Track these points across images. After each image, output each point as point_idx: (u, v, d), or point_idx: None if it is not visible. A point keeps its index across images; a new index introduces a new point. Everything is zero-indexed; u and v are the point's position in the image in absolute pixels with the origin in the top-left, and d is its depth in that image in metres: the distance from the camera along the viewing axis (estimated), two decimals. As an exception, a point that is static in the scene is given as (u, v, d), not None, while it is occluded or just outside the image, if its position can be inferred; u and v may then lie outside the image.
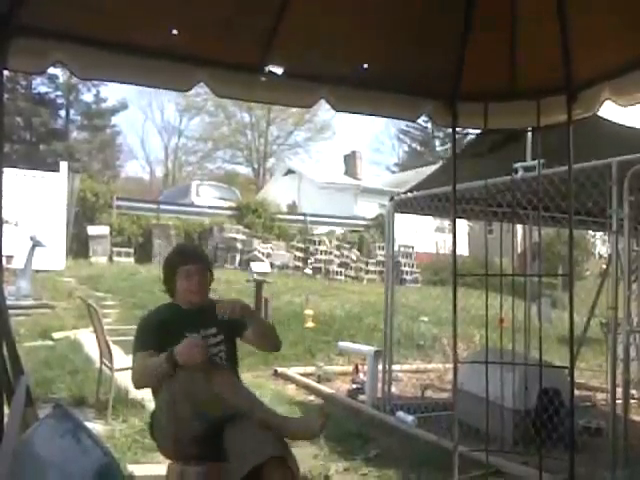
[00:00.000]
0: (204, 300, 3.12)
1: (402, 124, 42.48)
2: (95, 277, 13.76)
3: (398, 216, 6.84)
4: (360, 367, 7.44)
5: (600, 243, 17.49)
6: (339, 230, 21.51)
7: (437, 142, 45.04)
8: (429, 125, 39.76)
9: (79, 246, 17.10)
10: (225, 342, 3.10)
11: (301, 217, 21.91)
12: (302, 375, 7.84)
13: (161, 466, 2.92)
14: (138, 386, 3.00)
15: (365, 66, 3.25)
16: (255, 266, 12.33)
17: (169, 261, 3.23)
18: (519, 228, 8.74)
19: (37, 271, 11.97)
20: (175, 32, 2.84)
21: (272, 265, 16.51)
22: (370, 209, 23.46)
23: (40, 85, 30.54)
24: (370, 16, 3.12)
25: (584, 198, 5.08)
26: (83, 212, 17.71)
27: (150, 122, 52.43)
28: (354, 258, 19.89)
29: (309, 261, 19.06)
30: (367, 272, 19.79)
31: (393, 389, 6.77)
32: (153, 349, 2.90)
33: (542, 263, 7.07)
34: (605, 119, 4.92)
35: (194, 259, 3.15)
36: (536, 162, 4.60)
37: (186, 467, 2.78)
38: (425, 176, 7.65)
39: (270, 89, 3.21)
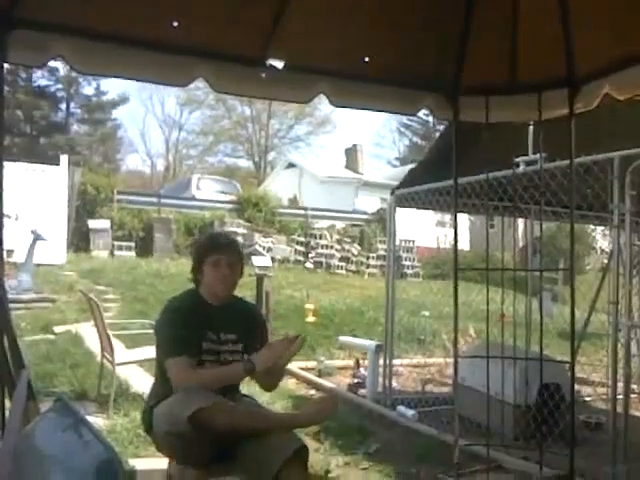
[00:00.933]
0: (229, 294, 3.01)
1: (403, 118, 42.52)
2: (96, 271, 13.76)
3: (399, 210, 6.84)
4: (361, 361, 7.44)
5: (601, 237, 17.48)
6: (340, 224, 21.50)
7: (438, 136, 44.95)
8: (430, 119, 39.74)
9: (80, 240, 17.10)
10: (240, 353, 2.96)
11: (302, 211, 21.89)
12: (303, 369, 7.84)
13: (163, 460, 2.92)
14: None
15: (366, 60, 3.24)
16: (256, 260, 12.28)
17: (199, 248, 3.12)
18: (520, 222, 8.73)
19: (38, 265, 11.96)
20: (174, 25, 2.84)
21: (273, 259, 16.49)
22: (371, 203, 23.45)
23: (40, 78, 30.62)
24: (370, 9, 3.11)
25: (585, 191, 5.07)
26: (84, 206, 17.70)
27: (151, 115, 52.69)
28: (355, 252, 19.88)
29: (310, 255, 19.06)
30: (368, 266, 19.78)
31: (394, 383, 6.78)
32: (194, 353, 2.77)
33: (543, 257, 7.07)
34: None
35: (226, 249, 3.00)
36: (537, 156, 4.58)
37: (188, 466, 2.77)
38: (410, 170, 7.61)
39: (269, 84, 3.19)
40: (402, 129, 45.97)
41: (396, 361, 7.10)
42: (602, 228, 12.44)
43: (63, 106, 32.18)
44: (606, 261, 6.74)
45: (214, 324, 2.90)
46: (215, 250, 2.97)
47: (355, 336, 8.83)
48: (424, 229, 20.84)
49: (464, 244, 19.76)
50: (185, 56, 2.96)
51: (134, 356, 5.77)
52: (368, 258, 19.91)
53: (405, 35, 3.25)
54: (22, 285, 10.68)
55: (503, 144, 4.30)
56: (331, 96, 3.24)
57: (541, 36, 3.21)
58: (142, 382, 5.81)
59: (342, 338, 8.28)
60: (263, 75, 3.11)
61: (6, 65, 2.79)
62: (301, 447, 2.59)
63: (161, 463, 3.00)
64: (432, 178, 6.01)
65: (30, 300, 10.48)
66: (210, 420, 2.51)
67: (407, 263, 19.33)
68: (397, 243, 8.73)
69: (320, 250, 19.12)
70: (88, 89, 32.61)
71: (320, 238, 19.46)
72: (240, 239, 17.98)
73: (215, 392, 2.72)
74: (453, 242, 3.97)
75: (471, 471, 4.17)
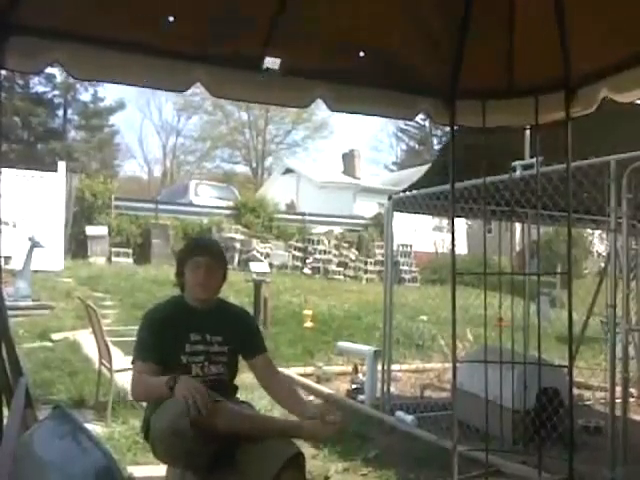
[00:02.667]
0: (210, 296, 2.99)
1: (400, 123, 42.64)
2: (94, 277, 13.76)
3: (397, 215, 6.84)
4: (359, 367, 7.43)
5: (599, 241, 17.52)
6: (338, 229, 21.52)
7: (435, 140, 45.10)
8: (427, 123, 39.86)
9: (78, 246, 17.09)
10: (228, 354, 2.96)
11: (300, 216, 21.92)
12: (301, 375, 7.82)
13: (160, 467, 2.91)
14: (136, 399, 2.86)
15: (363, 64, 3.25)
16: (254, 266, 12.32)
17: (181, 252, 3.14)
18: (517, 227, 8.75)
19: (36, 272, 11.95)
20: (171, 30, 2.84)
21: (271, 265, 16.51)
22: (369, 208, 23.47)
23: (38, 85, 30.68)
24: (368, 14, 3.12)
25: (582, 195, 5.08)
26: (81, 212, 17.71)
27: (148, 121, 52.83)
28: (353, 257, 19.90)
29: (308, 261, 19.07)
30: (366, 271, 19.80)
31: (392, 389, 6.76)
32: (154, 360, 2.82)
33: (541, 262, 7.09)
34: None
35: (205, 252, 2.99)
36: (534, 160, 4.59)
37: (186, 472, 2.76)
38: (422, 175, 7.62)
39: (267, 89, 3.19)
40: (399, 134, 46.12)
41: (394, 366, 7.09)
42: (599, 232, 12.47)
43: (60, 112, 32.21)
44: (603, 265, 6.76)
45: (198, 326, 2.91)
46: (195, 254, 2.98)
47: (353, 341, 8.82)
48: (421, 234, 20.87)
49: (462, 249, 19.78)
50: (182, 61, 2.96)
51: (132, 363, 5.75)
52: (366, 263, 19.92)
53: (402, 39, 3.26)
54: (20, 292, 10.67)
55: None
56: (329, 101, 3.24)
57: (538, 40, 3.21)
58: (140, 389, 5.79)
59: (340, 344, 8.27)
60: (262, 77, 3.11)
61: (3, 72, 2.79)
62: (296, 454, 2.56)
63: (159, 470, 3.00)
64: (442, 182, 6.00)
65: (28, 307, 10.46)
66: (210, 420, 2.51)
67: (405, 268, 19.35)
68: (395, 248, 8.74)
69: (318, 255, 19.13)
70: (85, 95, 32.67)
71: (318, 243, 19.47)
72: (238, 245, 18.01)
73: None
74: (451, 247, 3.97)
75: (470, 476, 4.16)
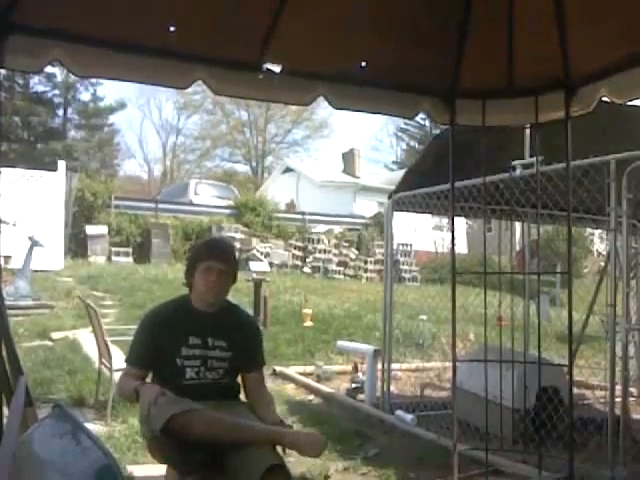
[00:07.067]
0: (218, 301, 2.97)
1: (400, 122, 42.63)
2: (94, 277, 13.75)
3: (397, 214, 6.83)
4: (359, 366, 7.43)
5: (599, 240, 17.53)
6: (338, 228, 21.51)
7: (435, 140, 44.99)
8: (427, 123, 39.86)
9: (77, 246, 17.09)
10: (230, 360, 2.93)
11: (300, 216, 21.90)
12: (301, 374, 7.83)
13: (160, 467, 2.91)
14: (122, 397, 2.96)
15: (363, 64, 3.25)
16: (254, 265, 12.33)
17: (194, 253, 3.13)
18: (517, 226, 8.74)
19: (36, 271, 11.94)
20: (173, 29, 2.83)
21: (271, 264, 16.51)
22: (369, 207, 23.47)
23: (38, 84, 30.66)
24: (368, 13, 3.12)
25: (582, 194, 5.08)
26: (81, 212, 17.70)
27: (148, 121, 52.74)
28: (353, 257, 19.90)
29: (308, 260, 19.07)
30: (366, 271, 19.79)
31: (392, 388, 6.76)
32: (139, 366, 2.88)
33: (541, 261, 7.07)
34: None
35: (219, 257, 2.94)
36: (534, 159, 4.58)
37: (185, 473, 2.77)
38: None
39: (268, 87, 3.19)
40: (399, 133, 46.05)
41: (394, 365, 7.09)
42: (599, 231, 12.48)
43: (60, 112, 32.21)
44: (603, 264, 6.75)
45: (200, 329, 2.89)
46: (208, 257, 2.94)
47: (353, 341, 8.82)
48: (421, 233, 20.85)
49: (462, 248, 19.78)
50: (184, 61, 2.96)
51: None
52: (366, 262, 19.91)
53: (402, 38, 3.26)
54: (20, 291, 10.66)
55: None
56: (330, 99, 3.25)
57: (537, 39, 3.21)
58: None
59: (340, 343, 8.27)
60: (261, 77, 3.11)
61: (3, 71, 2.79)
62: (276, 465, 2.52)
63: (159, 469, 2.99)
64: (427, 182, 6.02)
65: (28, 306, 10.46)
66: (185, 427, 2.51)
67: (405, 267, 19.34)
68: (395, 247, 8.72)
69: (318, 255, 19.13)
70: (85, 95, 32.68)
71: (318, 243, 19.47)
72: (238, 244, 17.99)
73: (211, 398, 2.76)
74: (451, 246, 3.97)
75: (470, 475, 4.16)
